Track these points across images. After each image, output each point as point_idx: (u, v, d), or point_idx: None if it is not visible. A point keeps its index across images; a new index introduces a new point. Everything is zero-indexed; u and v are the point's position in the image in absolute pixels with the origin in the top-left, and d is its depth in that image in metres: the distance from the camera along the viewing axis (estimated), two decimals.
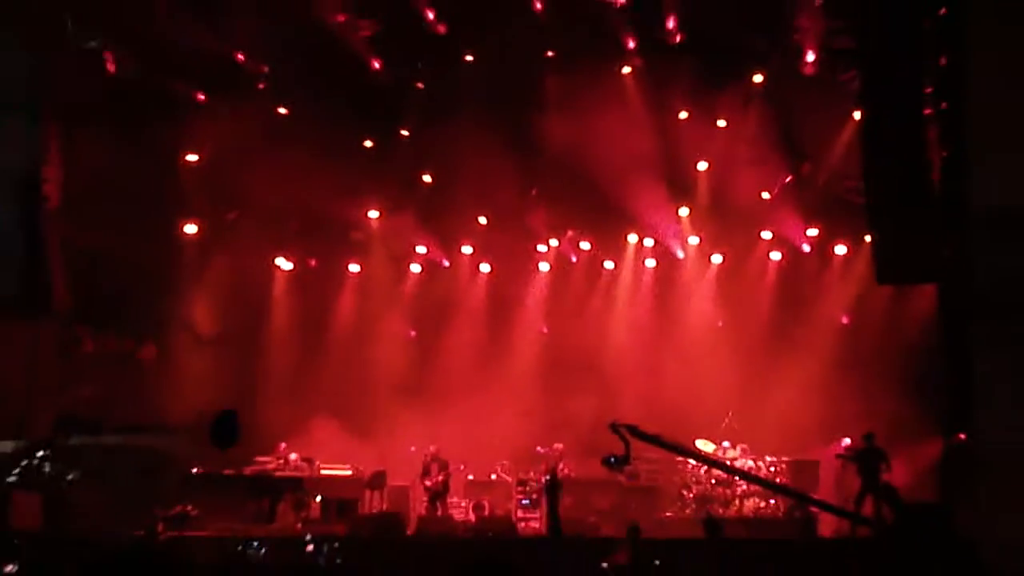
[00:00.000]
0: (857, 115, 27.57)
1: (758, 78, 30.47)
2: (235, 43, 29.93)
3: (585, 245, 33.53)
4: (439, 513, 28.88)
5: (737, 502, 28.79)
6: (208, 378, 29.54)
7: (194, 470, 28.67)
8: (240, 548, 24.35)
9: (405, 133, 32.34)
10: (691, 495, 28.97)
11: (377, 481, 29.42)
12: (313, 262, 33.82)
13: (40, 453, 27.62)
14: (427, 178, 32.81)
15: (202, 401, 26.31)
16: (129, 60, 28.85)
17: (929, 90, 25.14)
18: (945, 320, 24.85)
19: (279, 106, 31.55)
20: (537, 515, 28.92)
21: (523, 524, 28.51)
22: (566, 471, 29.17)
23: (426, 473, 29.12)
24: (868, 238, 27.48)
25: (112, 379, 30.49)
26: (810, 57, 29.06)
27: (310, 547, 24.33)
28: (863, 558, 22.07)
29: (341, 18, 29.46)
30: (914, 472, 26.67)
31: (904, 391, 27.25)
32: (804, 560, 23.83)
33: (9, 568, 18.44)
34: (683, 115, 31.22)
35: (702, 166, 31.80)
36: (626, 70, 30.96)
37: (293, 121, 31.32)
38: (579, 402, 30.06)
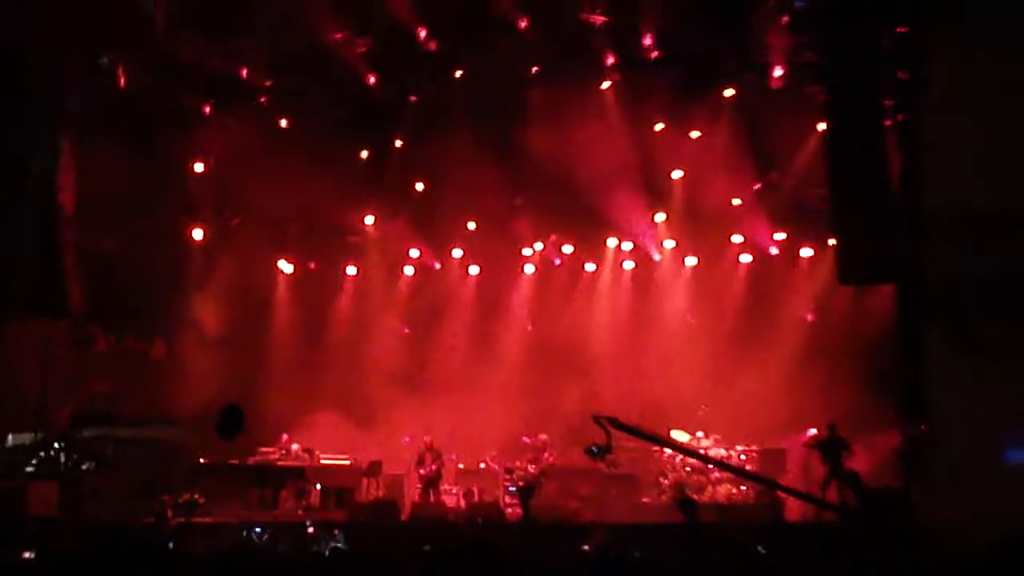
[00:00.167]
0: (821, 126, 27.60)
1: (729, 92, 30.46)
2: (239, 59, 29.92)
3: (567, 248, 33.56)
4: (432, 500, 28.90)
5: (710, 488, 28.79)
6: (214, 374, 29.51)
7: (202, 460, 28.74)
8: (245, 533, 24.37)
9: (399, 144, 32.31)
10: (667, 482, 28.97)
11: (373, 470, 29.44)
12: (313, 265, 33.84)
13: (56, 444, 27.62)
14: (419, 186, 32.81)
15: (209, 396, 26.35)
16: (139, 75, 28.82)
17: (888, 103, 25.25)
18: (902, 317, 24.95)
19: (280, 118, 31.54)
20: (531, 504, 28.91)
21: (510, 510, 28.49)
22: (550, 459, 29.22)
23: (421, 462, 29.16)
24: (832, 241, 27.52)
25: (124, 375, 30.56)
26: (777, 72, 29.04)
27: (311, 529, 24.34)
28: (828, 539, 22.13)
29: (339, 36, 29.47)
30: (875, 459, 26.70)
31: (865, 384, 27.27)
32: (773, 542, 23.84)
33: (26, 554, 18.44)
34: (659, 127, 31.22)
35: (677, 174, 31.82)
36: (605, 85, 30.94)
37: (294, 132, 31.33)
38: (562, 395, 30.14)
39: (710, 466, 28.74)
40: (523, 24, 29.30)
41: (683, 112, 30.80)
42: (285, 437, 29.68)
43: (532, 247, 33.47)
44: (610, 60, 30.35)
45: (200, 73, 29.43)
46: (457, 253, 33.63)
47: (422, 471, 29.13)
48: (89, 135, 27.82)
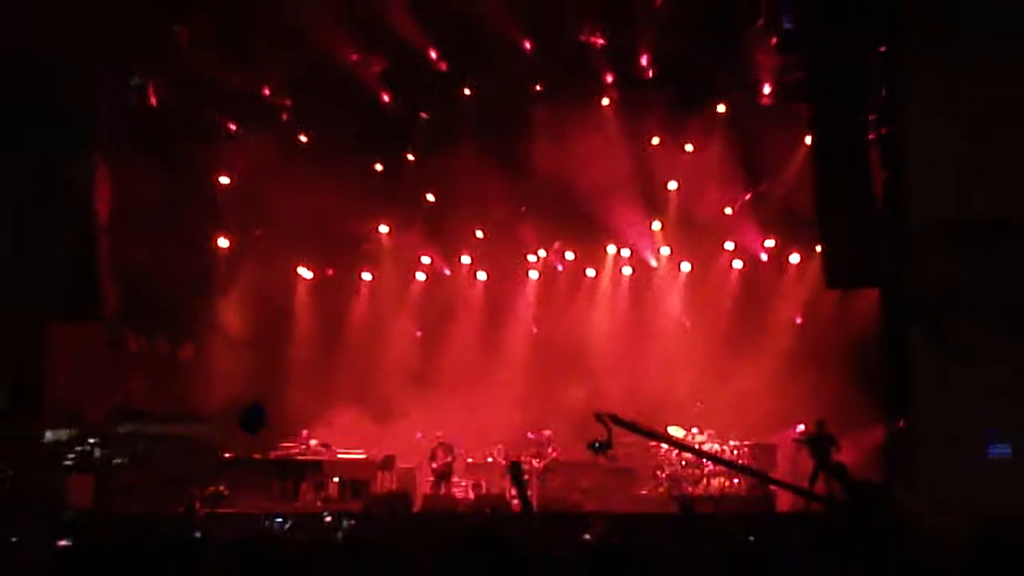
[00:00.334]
0: (808, 140, 27.53)
1: (721, 108, 30.42)
2: (262, 79, 29.93)
3: (569, 255, 33.50)
4: (442, 492, 28.85)
5: (705, 481, 28.74)
6: (239, 373, 29.42)
7: (227, 455, 28.66)
8: (267, 523, 24.33)
9: (411, 158, 32.27)
10: (664, 475, 28.91)
11: (387, 464, 29.36)
12: (331, 271, 33.77)
13: (91, 440, 27.60)
14: (430, 197, 32.76)
15: (233, 394, 26.26)
16: (169, 94, 28.80)
17: (871, 117, 25.19)
18: (886, 320, 24.85)
19: (300, 134, 31.52)
20: (529, 493, 28.82)
21: (516, 501, 28.39)
22: (554, 454, 29.17)
23: (433, 457, 29.09)
24: (819, 248, 27.42)
25: (155, 375, 30.54)
26: (766, 90, 29.02)
27: (328, 519, 24.31)
28: (816, 529, 22.04)
29: (355, 57, 29.51)
30: (860, 454, 26.61)
31: (851, 382, 27.16)
32: (764, 532, 23.75)
33: (62, 543, 18.39)
34: (655, 141, 31.21)
35: (672, 185, 31.78)
36: (605, 101, 30.92)
37: (313, 147, 31.33)
38: (565, 393, 30.03)
39: (704, 460, 28.69)
40: (527, 45, 29.36)
41: (678, 127, 30.79)
42: (304, 433, 29.60)
43: (536, 254, 33.42)
44: (609, 78, 30.35)
45: (225, 92, 29.41)
46: (466, 260, 33.57)
47: (434, 465, 29.06)
48: (122, 151, 27.82)
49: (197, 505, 25.55)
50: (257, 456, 28.83)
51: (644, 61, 29.49)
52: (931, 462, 22.13)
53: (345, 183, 29.70)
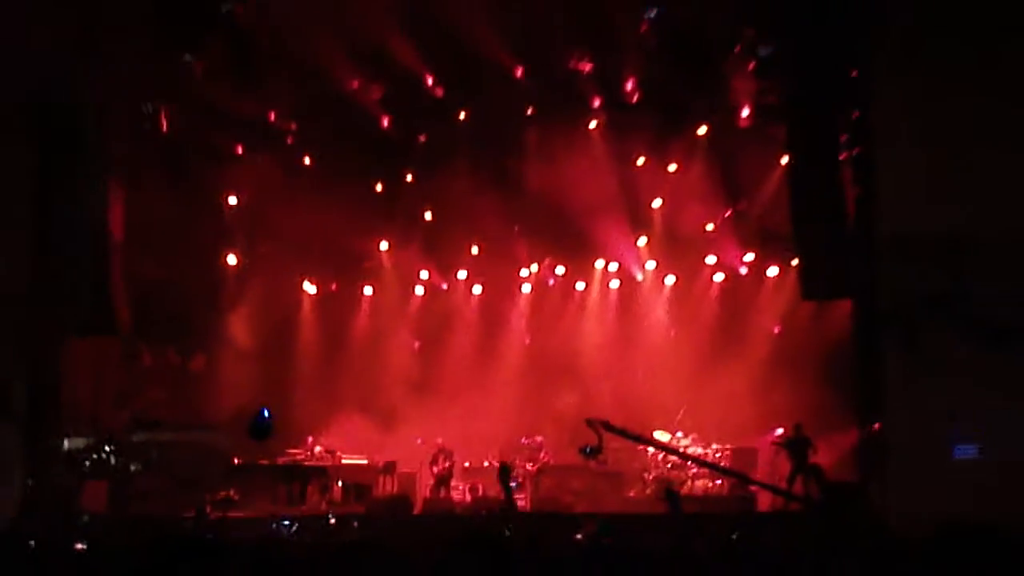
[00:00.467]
0: (784, 160, 27.59)
1: (702, 130, 30.44)
2: (268, 105, 29.98)
3: (560, 270, 33.47)
4: (441, 495, 28.85)
5: (689, 483, 28.75)
6: (247, 384, 29.50)
7: (236, 461, 28.67)
8: (275, 526, 24.33)
9: (410, 178, 32.25)
10: (651, 477, 28.93)
11: (389, 468, 29.39)
12: (334, 286, 33.74)
13: (107, 448, 27.59)
14: (428, 215, 32.74)
15: (242, 403, 26.35)
16: (180, 119, 28.87)
17: (844, 138, 25.27)
18: (859, 329, 24.91)
19: (305, 157, 31.52)
20: (523, 496, 28.84)
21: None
22: (546, 458, 29.22)
23: (434, 462, 29.11)
24: (795, 262, 27.50)
25: (167, 386, 30.55)
26: (744, 112, 29.06)
27: (333, 522, 24.31)
28: (794, 528, 22.07)
29: (356, 84, 29.56)
30: (836, 456, 26.63)
31: (826, 388, 27.18)
32: (745, 530, 23.78)
33: (79, 546, 18.40)
34: (640, 161, 31.22)
35: (656, 203, 31.79)
36: (592, 124, 30.94)
37: (316, 169, 31.32)
38: (557, 400, 30.15)
39: (689, 463, 28.70)
40: (519, 72, 29.40)
41: (662, 148, 30.82)
42: (310, 439, 29.60)
43: (529, 269, 33.40)
44: (596, 103, 30.36)
45: (233, 118, 29.45)
46: (462, 274, 33.55)
47: (435, 469, 29.08)
48: (135, 173, 27.91)
49: (208, 510, 25.52)
50: (265, 462, 28.83)
51: (629, 86, 29.53)
52: (902, 463, 22.20)
53: (347, 202, 29.76)
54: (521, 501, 28.67)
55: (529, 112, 30.81)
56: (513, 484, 28.78)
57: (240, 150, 31.04)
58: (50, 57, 24.44)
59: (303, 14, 26.84)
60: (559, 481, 28.99)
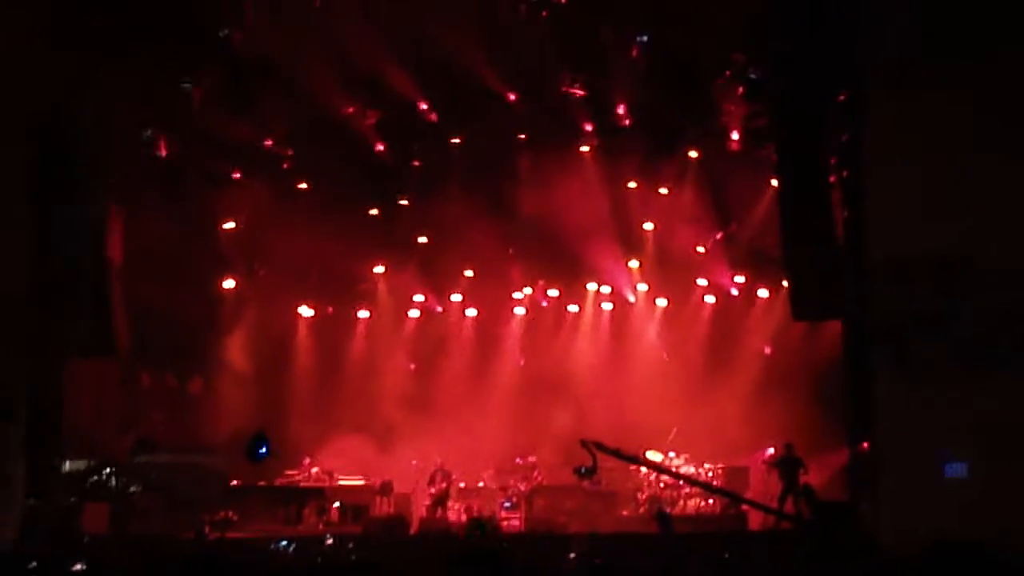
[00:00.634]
0: (774, 183, 27.61)
1: (693, 154, 30.56)
2: (264, 131, 30.03)
3: (553, 292, 33.53)
4: (438, 515, 28.80)
5: (681, 502, 28.74)
6: (244, 406, 29.48)
7: (234, 482, 28.65)
8: (272, 546, 24.25)
9: (405, 203, 32.35)
10: (643, 497, 28.91)
11: (385, 489, 29.32)
12: (330, 309, 33.75)
13: (108, 469, 27.53)
14: (423, 239, 32.80)
15: (239, 425, 26.32)
16: (178, 146, 28.89)
17: (833, 161, 25.29)
18: (849, 349, 24.87)
19: (300, 182, 31.58)
20: (517, 515, 28.81)
21: (505, 523, 28.39)
22: (539, 479, 29.20)
23: (432, 482, 29.07)
24: (785, 283, 27.50)
25: (166, 409, 30.51)
26: (735, 136, 29.16)
27: (330, 542, 24.23)
28: (786, 546, 22.02)
29: (351, 110, 29.63)
30: (826, 475, 26.64)
31: (817, 408, 27.21)
32: (737, 549, 23.74)
33: (79, 566, 18.33)
34: (632, 185, 31.36)
35: (648, 226, 31.89)
36: (585, 148, 31.04)
37: (312, 194, 31.38)
38: (550, 421, 30.10)
39: (681, 482, 28.69)
40: (512, 97, 29.53)
41: (653, 172, 30.95)
42: (307, 461, 29.61)
43: (522, 291, 33.44)
44: (588, 127, 30.47)
45: (230, 143, 29.50)
46: (456, 298, 33.58)
47: (433, 489, 29.04)
48: (134, 198, 27.94)
49: (207, 530, 25.50)
50: (263, 483, 28.84)
51: (621, 110, 29.62)
52: (893, 482, 22.16)
53: (343, 227, 29.85)
54: (515, 521, 28.64)
55: (522, 137, 30.94)
56: (507, 504, 28.79)
57: (237, 175, 31.07)
58: (49, 83, 24.45)
59: (299, 41, 26.91)
60: (552, 501, 28.96)
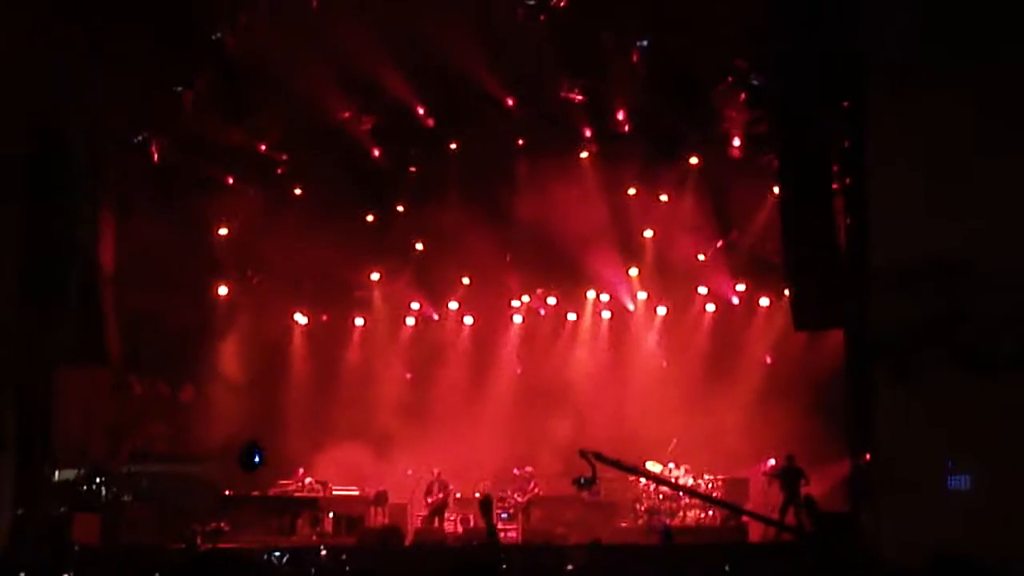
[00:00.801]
0: (776, 190, 27.63)
1: (694, 160, 30.61)
2: (258, 136, 30.08)
3: (551, 300, 33.52)
4: (435, 526, 28.80)
5: (681, 513, 28.76)
6: (237, 415, 29.49)
7: (227, 492, 28.61)
8: (265, 557, 24.22)
9: (401, 209, 32.42)
10: (643, 508, 28.91)
11: (380, 500, 29.33)
12: (325, 317, 33.76)
13: (98, 479, 27.50)
14: (419, 246, 32.83)
15: (232, 434, 26.31)
16: (171, 150, 28.91)
17: (835, 168, 25.31)
18: (851, 359, 24.89)
19: (295, 187, 31.63)
20: (514, 526, 28.83)
21: (503, 534, 28.38)
22: (536, 489, 29.19)
23: (429, 492, 29.09)
24: (786, 292, 27.52)
25: (157, 417, 30.50)
26: (736, 142, 29.23)
27: (324, 553, 24.22)
28: (786, 558, 22.04)
29: (347, 114, 29.67)
30: (827, 486, 26.63)
31: (818, 418, 27.22)
32: (737, 561, 23.76)
33: None
34: (632, 191, 31.38)
35: (648, 233, 31.89)
36: (584, 155, 31.12)
37: (307, 200, 31.41)
38: (548, 431, 30.08)
39: (681, 493, 28.70)
40: (510, 102, 29.60)
41: (653, 178, 30.99)
42: (301, 471, 29.60)
43: (520, 299, 33.42)
44: (587, 133, 30.57)
45: (224, 148, 29.56)
46: (453, 305, 33.57)
47: (430, 500, 29.06)
48: (126, 203, 27.91)
49: (198, 540, 25.47)
50: (256, 493, 28.81)
51: (620, 116, 29.69)
52: (895, 493, 22.16)
53: (338, 233, 29.91)
54: (512, 532, 28.65)
55: (520, 142, 31.00)
56: (504, 515, 28.78)
57: (231, 181, 31.10)
58: (42, 86, 24.48)
59: (294, 44, 26.92)
60: (551, 512, 28.98)
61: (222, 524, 26.79)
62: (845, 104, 24.90)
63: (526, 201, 30.46)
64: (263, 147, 30.43)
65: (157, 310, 28.85)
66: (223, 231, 31.48)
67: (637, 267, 32.36)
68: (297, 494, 29.19)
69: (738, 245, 31.30)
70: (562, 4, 26.54)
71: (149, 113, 28.07)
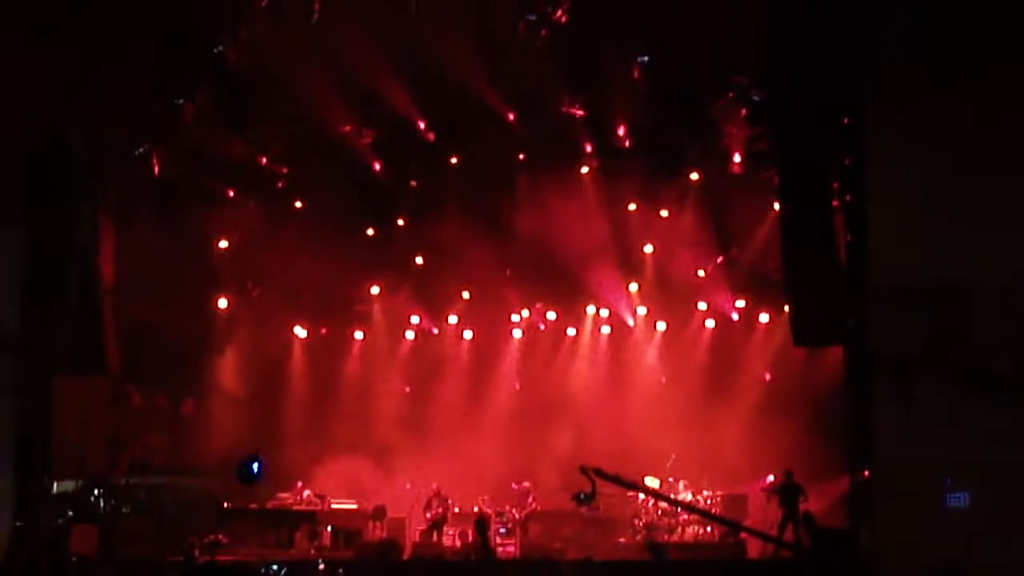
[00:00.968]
0: (776, 206, 27.69)
1: (694, 176, 30.68)
2: (259, 149, 30.15)
3: (551, 315, 33.53)
4: (434, 540, 28.79)
5: (680, 529, 28.75)
6: (237, 428, 29.51)
7: (225, 505, 28.63)
8: (263, 570, 24.23)
9: (401, 223, 32.45)
10: (641, 523, 28.88)
11: (378, 513, 29.33)
12: (324, 330, 33.75)
13: (96, 490, 27.51)
14: (419, 260, 32.85)
15: (231, 447, 26.36)
16: (171, 163, 28.95)
17: (836, 185, 25.40)
18: (850, 375, 24.96)
19: (296, 200, 31.68)
20: (512, 541, 28.85)
21: (501, 549, 28.42)
22: (534, 504, 29.20)
23: (428, 506, 29.09)
24: (786, 308, 27.58)
25: (157, 429, 30.50)
26: (736, 159, 29.28)
27: (322, 567, 24.21)
28: (786, 575, 22.08)
29: (347, 128, 29.75)
30: (826, 502, 26.66)
31: (817, 435, 27.29)
32: None
33: None
34: (632, 207, 31.43)
35: (648, 249, 31.94)
36: (584, 170, 31.18)
37: (307, 213, 31.48)
38: (547, 446, 30.11)
39: (679, 509, 28.71)
40: (511, 117, 29.69)
41: (653, 194, 31.05)
42: (299, 484, 29.61)
43: (520, 314, 33.44)
44: (588, 148, 30.64)
45: (224, 161, 29.61)
46: (453, 319, 33.58)
47: (429, 514, 29.06)
48: (127, 215, 27.96)
49: (197, 553, 25.47)
50: (254, 506, 28.86)
51: (621, 131, 29.77)
52: (893, 510, 22.21)
53: (338, 247, 29.98)
54: (511, 547, 28.66)
55: (521, 157, 31.05)
56: (502, 530, 28.81)
57: (231, 194, 31.15)
58: (43, 99, 24.52)
59: (295, 58, 26.99)
60: (549, 527, 29.00)
61: (220, 537, 26.83)
62: (845, 121, 25.00)
63: (526, 216, 30.51)
64: (264, 160, 30.50)
65: (157, 322, 28.93)
66: (223, 244, 31.51)
67: (637, 282, 32.40)
68: (295, 507, 29.21)
69: (738, 261, 31.34)
70: (563, 19, 26.58)
71: (150, 125, 28.06)
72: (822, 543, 24.76)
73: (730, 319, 32.22)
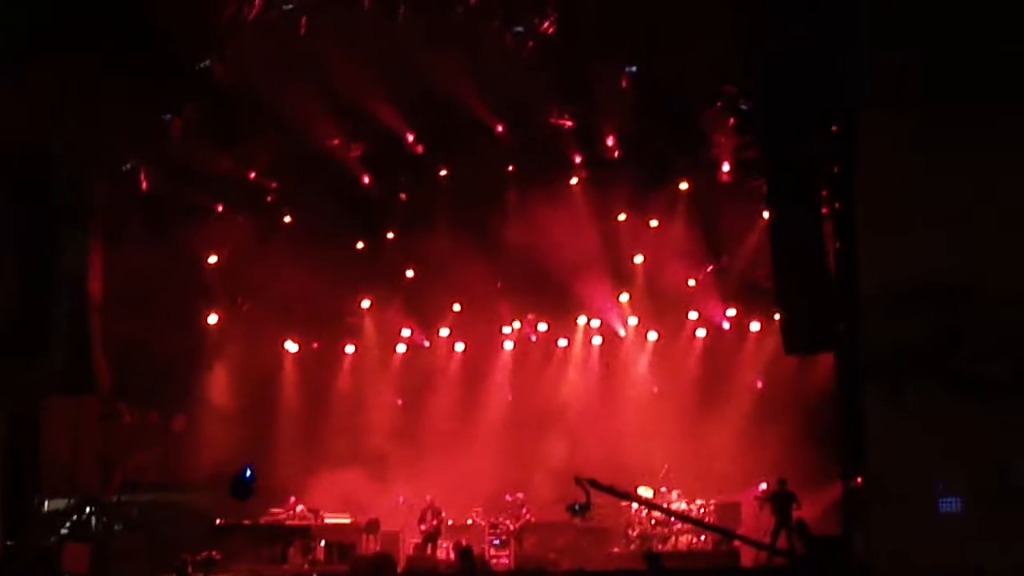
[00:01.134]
0: (765, 215, 27.75)
1: (684, 185, 30.71)
2: (247, 163, 30.17)
3: (542, 326, 33.57)
4: (428, 553, 28.78)
5: (673, 538, 28.74)
6: (228, 443, 29.47)
7: (218, 521, 28.60)
8: None
9: (391, 236, 32.46)
10: (635, 533, 28.88)
11: (372, 527, 29.33)
12: (315, 344, 33.80)
13: (88, 509, 27.48)
14: (410, 273, 32.88)
15: (223, 463, 26.34)
16: (159, 178, 28.97)
17: (824, 193, 25.47)
18: (842, 382, 25.02)
19: (285, 215, 31.72)
20: (506, 553, 28.83)
21: (495, 561, 28.44)
22: (528, 516, 29.20)
23: (422, 519, 29.10)
24: (777, 316, 27.63)
25: (148, 446, 30.45)
26: (725, 167, 29.31)
27: None
28: None
29: (336, 141, 29.78)
30: (819, 509, 26.68)
31: (809, 442, 27.32)
32: None
33: None
34: (622, 217, 31.45)
35: (638, 259, 31.95)
36: (574, 181, 31.22)
37: (297, 227, 31.51)
38: (538, 457, 30.14)
39: (673, 518, 28.71)
40: (499, 129, 29.72)
41: (643, 204, 31.07)
42: (292, 499, 29.60)
43: (511, 325, 33.48)
44: (577, 159, 30.70)
45: (213, 176, 29.60)
46: (444, 332, 33.64)
47: (423, 527, 29.07)
48: (115, 231, 27.95)
49: (190, 570, 25.46)
50: (247, 522, 28.80)
51: (610, 142, 29.82)
52: (886, 516, 22.26)
53: (328, 260, 29.98)
54: (504, 559, 28.66)
55: (510, 169, 31.07)
56: (496, 542, 28.82)
57: (220, 208, 31.15)
58: (31, 115, 24.52)
59: (282, 72, 26.99)
60: (542, 538, 29.02)
61: (213, 553, 26.75)
62: (834, 128, 25.08)
63: (516, 227, 30.54)
64: (252, 175, 30.53)
65: (146, 338, 28.89)
66: (213, 259, 31.49)
67: (628, 292, 32.43)
68: (288, 522, 29.17)
69: (728, 270, 31.38)
70: (551, 31, 26.66)
71: (137, 141, 28.09)
72: (815, 550, 24.79)
73: (721, 328, 32.24)
